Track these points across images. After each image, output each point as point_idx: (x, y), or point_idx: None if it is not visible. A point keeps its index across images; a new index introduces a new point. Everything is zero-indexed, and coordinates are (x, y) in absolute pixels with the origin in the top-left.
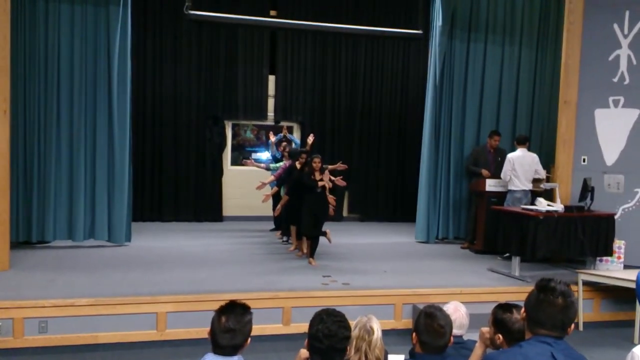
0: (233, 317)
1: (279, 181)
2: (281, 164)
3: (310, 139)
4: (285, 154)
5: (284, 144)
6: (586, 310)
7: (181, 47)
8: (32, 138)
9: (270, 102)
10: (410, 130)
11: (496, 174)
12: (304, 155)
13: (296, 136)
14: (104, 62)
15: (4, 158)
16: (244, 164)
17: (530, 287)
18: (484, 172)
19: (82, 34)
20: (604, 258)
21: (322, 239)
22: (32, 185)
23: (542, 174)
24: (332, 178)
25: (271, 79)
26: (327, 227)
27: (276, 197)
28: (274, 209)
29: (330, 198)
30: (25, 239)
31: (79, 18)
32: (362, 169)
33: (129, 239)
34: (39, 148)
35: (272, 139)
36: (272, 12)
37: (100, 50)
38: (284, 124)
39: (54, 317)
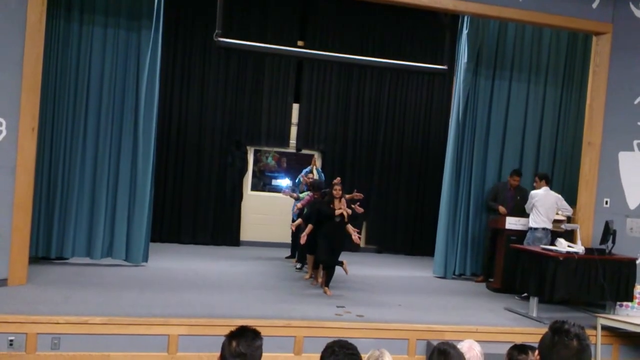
0: (244, 342)
1: (305, 216)
2: (306, 193)
3: (337, 181)
4: (309, 184)
5: (310, 175)
6: (604, 355)
7: (209, 73)
8: (58, 156)
9: (293, 130)
10: (431, 165)
11: (514, 212)
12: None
13: (317, 164)
14: (133, 85)
15: (29, 174)
16: (284, 194)
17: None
18: (501, 209)
19: (113, 57)
20: (625, 303)
21: (338, 269)
22: (55, 202)
23: (570, 211)
24: (352, 206)
25: (295, 107)
26: (344, 257)
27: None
28: (293, 238)
29: (354, 231)
30: (44, 254)
31: (110, 41)
32: (382, 200)
33: (146, 259)
34: (64, 166)
35: (303, 179)
36: (300, 43)
37: (129, 74)
38: (310, 152)
39: (67, 334)
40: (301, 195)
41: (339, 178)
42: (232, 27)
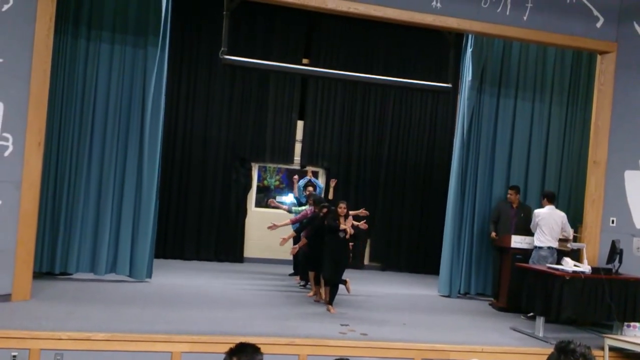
0: (245, 356)
1: (299, 228)
2: (304, 208)
3: (332, 183)
4: (311, 200)
5: (310, 188)
6: None
7: (214, 90)
8: (63, 171)
9: (298, 147)
10: (436, 182)
11: (518, 230)
12: (325, 210)
13: (321, 181)
14: (139, 100)
15: (34, 189)
16: (270, 204)
17: None
18: (492, 235)
19: (120, 73)
20: (632, 323)
21: (341, 287)
22: (59, 217)
23: (570, 233)
24: (356, 223)
25: (299, 124)
26: (347, 275)
27: (296, 240)
28: (295, 255)
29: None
30: (48, 269)
31: (117, 58)
32: (386, 218)
33: (149, 275)
34: (69, 181)
35: (297, 182)
36: (305, 60)
37: (135, 90)
38: (310, 168)
39: (70, 350)
40: (300, 208)
41: (333, 180)
42: (237, 45)
